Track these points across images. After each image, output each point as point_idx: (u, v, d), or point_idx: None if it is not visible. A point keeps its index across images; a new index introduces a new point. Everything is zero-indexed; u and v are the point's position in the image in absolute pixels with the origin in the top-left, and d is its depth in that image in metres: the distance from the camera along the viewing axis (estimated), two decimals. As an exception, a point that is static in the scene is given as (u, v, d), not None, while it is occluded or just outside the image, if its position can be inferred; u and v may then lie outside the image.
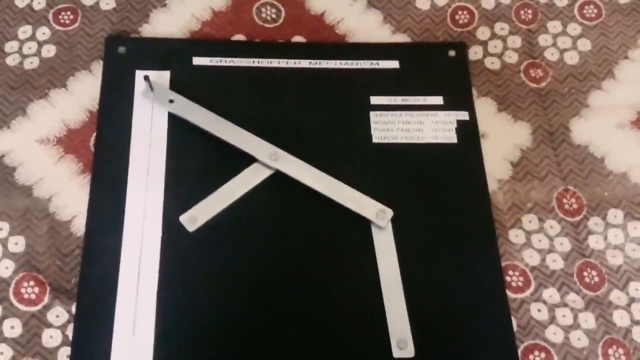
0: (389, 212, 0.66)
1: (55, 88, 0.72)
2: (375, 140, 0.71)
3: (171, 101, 0.70)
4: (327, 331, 0.62)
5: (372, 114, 0.72)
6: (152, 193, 0.67)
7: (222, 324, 0.63)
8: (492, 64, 0.77)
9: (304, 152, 0.69)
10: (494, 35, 0.79)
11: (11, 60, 0.73)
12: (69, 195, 0.67)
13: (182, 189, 0.68)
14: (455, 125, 0.71)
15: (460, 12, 0.80)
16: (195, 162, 0.69)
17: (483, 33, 0.79)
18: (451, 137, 0.71)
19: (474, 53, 0.78)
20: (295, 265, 0.65)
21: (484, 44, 0.78)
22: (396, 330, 0.62)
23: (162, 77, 0.72)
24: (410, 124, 0.72)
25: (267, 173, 0.68)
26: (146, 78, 0.69)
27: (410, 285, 0.64)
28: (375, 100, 0.73)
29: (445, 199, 0.68)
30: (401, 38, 0.78)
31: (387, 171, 0.70)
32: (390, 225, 0.66)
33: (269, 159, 0.68)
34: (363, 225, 0.67)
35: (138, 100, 0.71)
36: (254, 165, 0.69)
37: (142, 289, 0.63)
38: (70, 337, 0.62)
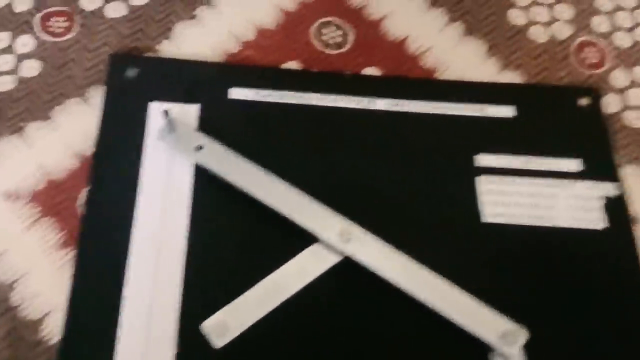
0: (522, 334, 0.44)
1: (35, 121, 0.52)
2: (485, 219, 0.50)
3: (199, 148, 0.49)
4: None
5: (479, 180, 0.51)
6: (164, 286, 0.45)
7: None
8: (638, 119, 0.56)
9: (383, 230, 0.48)
10: (633, 83, 0.58)
11: (-24, 79, 0.52)
12: (41, 280, 0.46)
13: (208, 280, 0.46)
14: (600, 203, 0.50)
15: (587, 49, 0.59)
16: (229, 240, 0.48)
17: (618, 78, 0.58)
18: (596, 221, 0.50)
19: (608, 103, 0.57)
20: None
21: (621, 92, 0.57)
22: None
23: (187, 113, 0.51)
24: (536, 197, 0.51)
25: (334, 260, 0.47)
26: (166, 113, 0.47)
27: None
28: (483, 160, 0.52)
29: (595, 312, 0.47)
30: (511, 77, 0.57)
31: (503, 266, 0.48)
32: (522, 353, 0.44)
33: (339, 239, 0.46)
34: (477, 350, 0.45)
35: (151, 144, 0.50)
36: (314, 248, 0.47)
37: None
38: None
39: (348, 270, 0.47)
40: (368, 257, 0.47)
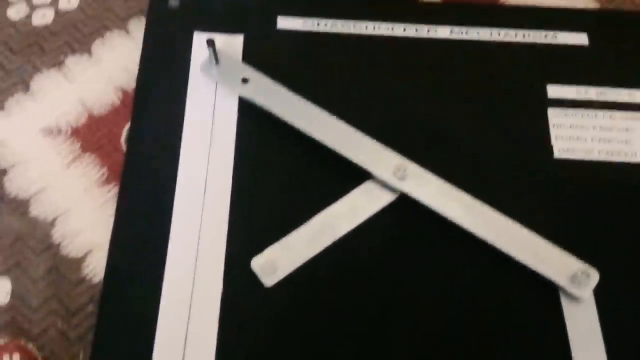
0: (594, 276, 0.40)
1: (75, 54, 0.49)
2: (557, 154, 0.45)
3: (245, 80, 0.46)
4: None
5: (551, 112, 0.46)
6: (211, 224, 0.43)
7: None
8: None
9: (444, 168, 0.44)
10: None
11: (14, 12, 0.50)
12: (83, 218, 0.44)
13: (255, 218, 0.43)
14: (682, 136, 0.45)
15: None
16: (277, 177, 0.45)
17: None
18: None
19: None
20: (428, 345, 0.40)
21: None
22: None
23: (232, 44, 0.48)
24: (612, 131, 0.46)
25: (388, 198, 0.44)
26: (210, 43, 0.44)
27: None
28: (555, 91, 0.47)
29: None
30: (584, 2, 0.52)
31: (576, 205, 0.44)
32: (592, 297, 0.40)
33: (393, 176, 0.43)
34: (544, 292, 0.41)
35: (195, 76, 0.47)
36: (367, 185, 0.44)
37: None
38: None
39: (403, 210, 0.44)
40: (426, 195, 0.43)
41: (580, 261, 0.41)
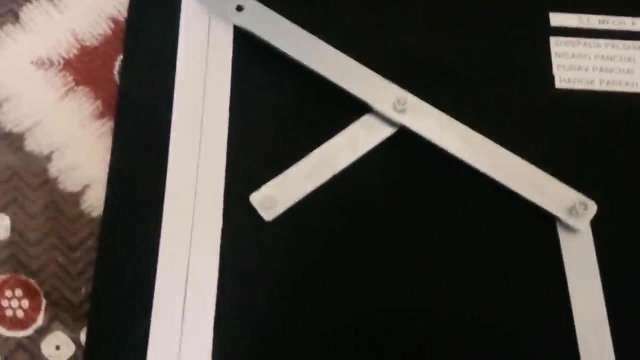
0: (592, 207, 0.40)
1: (64, -18, 0.47)
2: (559, 84, 0.45)
3: (239, 8, 0.44)
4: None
5: (553, 41, 0.46)
6: (209, 155, 0.43)
7: None
8: None
9: (444, 100, 0.43)
10: None
11: (-2, -64, 0.47)
12: (79, 152, 0.43)
13: (254, 149, 0.43)
14: (685, 66, 0.45)
15: None
16: (275, 108, 0.44)
17: None
18: (678, 85, 0.45)
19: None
20: (428, 280, 0.41)
21: None
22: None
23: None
24: (614, 60, 0.45)
25: (388, 132, 0.43)
26: None
27: (621, 321, 0.40)
28: (557, 19, 0.46)
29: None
30: None
31: (576, 136, 0.44)
32: (589, 228, 0.40)
33: (393, 109, 0.42)
34: (542, 224, 0.42)
35: (187, 3, 0.46)
36: (367, 118, 0.44)
37: (191, 306, 0.40)
38: (77, 382, 0.39)
39: (403, 143, 0.43)
40: (425, 128, 0.43)
41: (578, 192, 0.41)
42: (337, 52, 0.44)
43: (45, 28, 0.46)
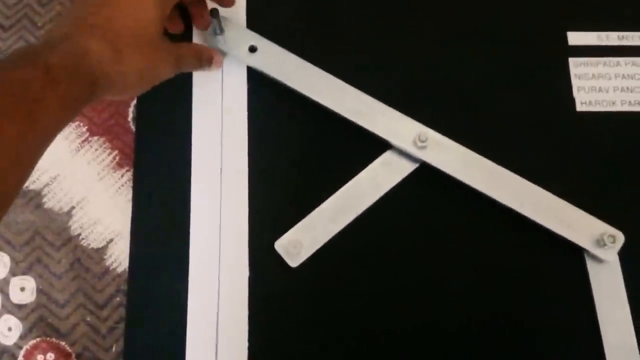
0: (620, 238, 0.40)
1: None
2: (580, 107, 0.44)
3: (252, 49, 0.43)
4: None
5: (572, 62, 0.45)
6: (231, 202, 0.43)
7: None
8: None
9: (461, 127, 0.43)
10: None
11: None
12: (100, 206, 0.43)
13: (275, 195, 0.42)
14: None
15: None
16: (294, 149, 0.44)
17: None
18: (701, 102, 0.44)
19: None
20: (455, 315, 0.41)
21: None
22: None
23: (233, 9, 0.45)
24: (636, 79, 0.44)
25: (409, 168, 0.43)
26: (214, 13, 0.42)
27: None
28: (576, 38, 0.45)
29: None
30: None
31: (600, 160, 0.43)
32: (617, 258, 0.40)
33: (414, 145, 0.42)
34: (570, 255, 0.42)
35: (199, 47, 0.45)
36: (388, 155, 0.43)
37: (224, 355, 0.40)
38: None
39: (424, 179, 0.43)
40: (447, 163, 0.42)
41: (605, 224, 0.40)
42: (355, 89, 0.43)
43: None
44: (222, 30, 0.43)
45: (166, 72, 0.39)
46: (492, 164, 0.42)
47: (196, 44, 0.44)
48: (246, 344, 0.40)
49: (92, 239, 0.43)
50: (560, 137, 0.44)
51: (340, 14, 0.47)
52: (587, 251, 0.41)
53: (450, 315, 0.41)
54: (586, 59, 0.45)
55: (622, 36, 0.46)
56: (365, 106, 0.43)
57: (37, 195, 0.43)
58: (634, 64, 0.45)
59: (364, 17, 0.46)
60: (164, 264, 0.41)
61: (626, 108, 0.44)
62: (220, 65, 0.44)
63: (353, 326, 0.41)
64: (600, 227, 0.41)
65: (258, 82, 0.44)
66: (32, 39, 0.46)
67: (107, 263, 0.42)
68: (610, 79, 0.44)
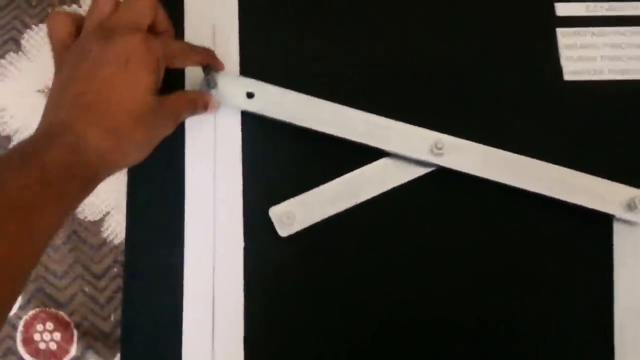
0: None
1: (64, 4, 0.47)
2: (567, 76, 0.45)
3: (250, 95, 0.43)
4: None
5: (560, 32, 0.45)
6: (226, 171, 0.43)
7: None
8: None
9: (452, 97, 0.44)
10: None
11: (-6, -38, 0.47)
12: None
13: (269, 164, 0.43)
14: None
15: None
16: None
17: None
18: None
19: None
20: (464, 291, 0.42)
21: None
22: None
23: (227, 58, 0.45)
24: (622, 48, 0.45)
25: (422, 171, 0.43)
26: (207, 70, 0.42)
27: None
28: (563, 9, 0.46)
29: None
30: None
31: (587, 127, 0.44)
32: (641, 223, 0.41)
33: (430, 153, 0.42)
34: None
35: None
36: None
37: (220, 328, 0.41)
38: (118, 410, 0.40)
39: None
40: (465, 164, 0.42)
41: (632, 187, 0.41)
42: (361, 112, 0.43)
43: (48, 54, 0.46)
44: (215, 84, 0.43)
45: (166, 132, 0.38)
46: (510, 154, 0.42)
47: (189, 92, 0.42)
48: (242, 311, 0.41)
49: (89, 212, 0.43)
50: (546, 105, 0.44)
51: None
52: (617, 218, 0.41)
53: (444, 284, 0.41)
54: (574, 29, 0.45)
55: (610, 7, 0.46)
56: (375, 127, 0.42)
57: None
58: (621, 33, 0.46)
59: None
60: (160, 235, 0.42)
61: (611, 77, 0.45)
62: (216, 108, 0.42)
63: (342, 298, 0.41)
64: (629, 191, 0.41)
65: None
66: (27, 19, 0.47)
67: (104, 235, 0.43)
68: (597, 49, 0.45)
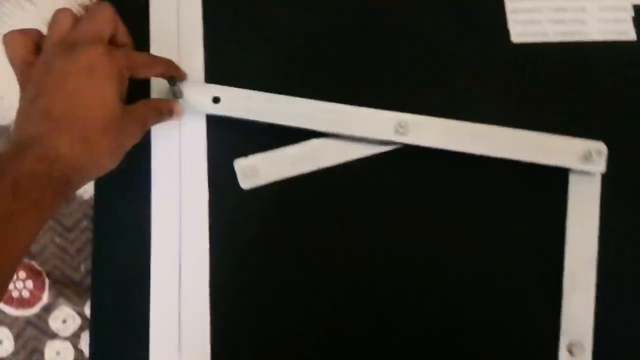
0: (603, 150, 0.43)
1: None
2: (515, 38, 0.47)
3: (216, 100, 0.45)
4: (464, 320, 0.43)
5: (507, -3, 0.48)
6: (190, 131, 0.45)
7: (311, 334, 0.42)
8: None
9: (402, 62, 0.47)
10: None
11: None
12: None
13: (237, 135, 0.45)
14: (632, 13, 0.48)
15: None
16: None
17: None
18: (626, 32, 0.47)
19: None
20: (422, 241, 0.44)
21: None
22: (571, 328, 0.42)
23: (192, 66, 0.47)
24: (566, 11, 0.48)
25: (387, 148, 0.45)
26: (172, 82, 0.43)
27: (609, 264, 0.43)
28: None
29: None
30: None
31: (534, 89, 0.47)
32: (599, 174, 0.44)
33: (395, 133, 0.44)
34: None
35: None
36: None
37: (187, 275, 0.43)
38: (86, 353, 0.41)
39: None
40: (430, 140, 0.44)
41: (586, 139, 0.43)
42: (324, 102, 0.44)
43: (20, 21, 0.48)
44: (182, 94, 0.44)
45: (135, 139, 0.39)
46: (469, 124, 0.43)
47: (154, 99, 0.44)
48: (208, 258, 0.43)
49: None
50: (494, 67, 0.47)
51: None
52: (573, 170, 0.43)
53: (397, 242, 0.44)
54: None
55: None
56: (340, 115, 0.44)
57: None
58: (564, -3, 0.48)
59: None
60: (127, 189, 0.44)
61: (557, 39, 0.47)
62: (181, 114, 0.44)
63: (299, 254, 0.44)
64: (584, 143, 0.43)
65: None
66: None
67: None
68: (542, 12, 0.48)
